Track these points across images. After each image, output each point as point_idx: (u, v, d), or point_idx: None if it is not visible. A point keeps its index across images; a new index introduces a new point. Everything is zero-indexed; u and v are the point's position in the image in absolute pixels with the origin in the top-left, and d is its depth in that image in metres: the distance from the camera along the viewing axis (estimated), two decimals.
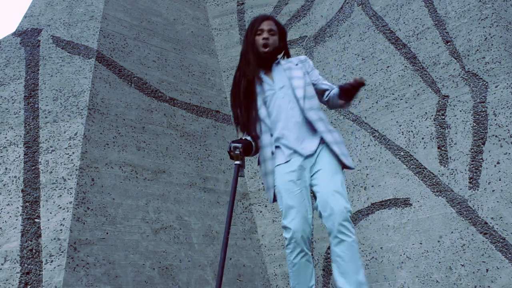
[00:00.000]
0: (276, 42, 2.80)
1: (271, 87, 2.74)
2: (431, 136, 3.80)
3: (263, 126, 2.71)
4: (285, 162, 2.63)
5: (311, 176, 2.64)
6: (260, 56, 2.78)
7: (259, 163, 2.82)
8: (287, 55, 2.98)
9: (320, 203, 2.54)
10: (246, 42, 2.83)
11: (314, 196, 2.64)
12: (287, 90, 2.72)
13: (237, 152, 2.69)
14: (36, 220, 3.58)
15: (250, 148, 2.73)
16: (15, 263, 3.40)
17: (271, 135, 2.68)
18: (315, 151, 2.64)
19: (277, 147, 2.67)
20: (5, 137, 3.97)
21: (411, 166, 3.86)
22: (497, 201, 3.32)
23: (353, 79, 2.54)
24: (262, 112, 2.71)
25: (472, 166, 3.52)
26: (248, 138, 2.75)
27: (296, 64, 2.84)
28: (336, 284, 2.47)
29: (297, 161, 2.62)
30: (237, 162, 2.73)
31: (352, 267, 2.42)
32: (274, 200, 2.70)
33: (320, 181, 2.60)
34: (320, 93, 2.85)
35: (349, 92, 2.60)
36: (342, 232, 2.44)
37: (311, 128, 2.68)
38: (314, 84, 2.83)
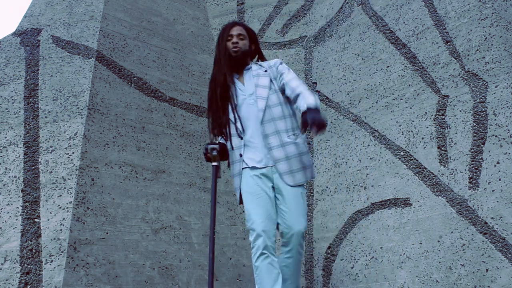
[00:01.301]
0: (246, 45, 2.89)
1: (242, 92, 2.82)
2: (431, 136, 3.80)
3: (233, 129, 2.79)
4: (251, 167, 2.74)
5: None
6: (231, 60, 2.86)
7: (228, 165, 2.92)
8: (261, 58, 3.03)
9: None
10: (218, 49, 2.93)
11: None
12: (255, 97, 2.79)
13: (214, 153, 2.79)
14: (36, 220, 3.58)
15: (226, 151, 2.85)
16: (15, 263, 3.40)
17: (241, 138, 2.77)
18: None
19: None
20: (5, 137, 3.97)
21: (411, 166, 3.86)
22: (497, 201, 3.32)
23: (312, 134, 2.49)
24: (234, 115, 2.79)
25: (472, 166, 3.52)
26: (223, 141, 2.86)
27: (265, 71, 2.87)
28: None
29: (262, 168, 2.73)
30: (215, 163, 2.83)
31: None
32: (241, 202, 2.79)
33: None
34: (287, 95, 2.82)
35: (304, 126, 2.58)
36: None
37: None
38: (282, 89, 2.83)
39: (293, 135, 2.74)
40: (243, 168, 2.76)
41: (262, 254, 2.59)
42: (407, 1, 4.29)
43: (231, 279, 4.16)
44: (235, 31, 2.90)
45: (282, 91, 2.83)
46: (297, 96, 2.68)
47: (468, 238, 3.40)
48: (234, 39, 2.87)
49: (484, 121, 3.53)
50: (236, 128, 2.78)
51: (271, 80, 2.83)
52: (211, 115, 2.87)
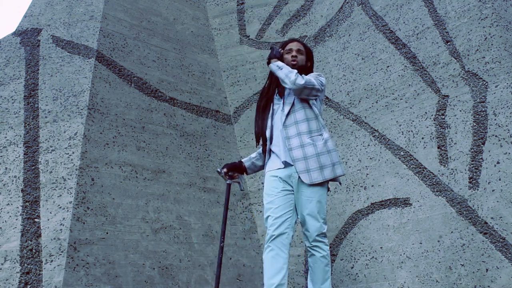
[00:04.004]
0: (303, 61, 3.08)
1: (278, 102, 3.04)
2: (431, 136, 3.80)
3: (268, 135, 3.03)
4: (271, 170, 2.94)
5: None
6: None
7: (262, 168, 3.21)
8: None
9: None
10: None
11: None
12: (282, 104, 3.03)
13: (221, 175, 3.12)
14: (36, 220, 3.58)
15: (240, 167, 3.15)
16: (15, 263, 3.40)
17: (271, 142, 3.00)
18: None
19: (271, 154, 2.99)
20: (5, 137, 3.97)
21: (411, 166, 3.86)
22: (497, 201, 3.32)
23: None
24: (269, 123, 3.03)
25: (472, 166, 3.52)
26: (254, 154, 3.19)
27: None
28: None
29: (281, 171, 2.90)
30: (228, 182, 3.12)
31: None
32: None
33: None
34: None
35: None
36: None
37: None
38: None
39: (316, 136, 2.87)
40: (266, 172, 2.96)
41: (268, 246, 2.74)
42: (407, 1, 4.29)
43: (231, 279, 4.16)
44: (295, 46, 3.08)
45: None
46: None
47: (468, 238, 3.40)
48: (294, 53, 3.03)
49: (484, 121, 3.53)
50: (268, 135, 3.00)
51: None
52: (254, 124, 3.08)
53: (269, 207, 2.82)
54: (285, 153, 2.88)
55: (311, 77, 2.91)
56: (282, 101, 2.98)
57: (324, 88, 3.00)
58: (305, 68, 3.07)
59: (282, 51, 3.05)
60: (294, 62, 3.00)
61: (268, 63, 2.97)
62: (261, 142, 3.01)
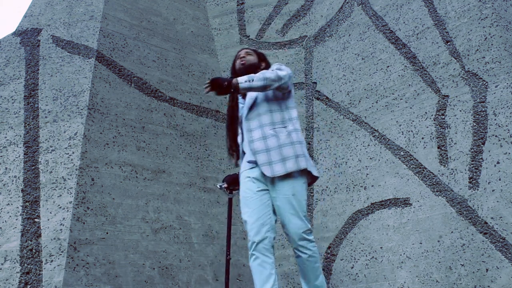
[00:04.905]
0: (253, 60, 2.98)
1: (242, 104, 2.94)
2: (431, 136, 3.80)
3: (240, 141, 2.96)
4: (243, 171, 2.86)
5: None
6: (237, 74, 2.94)
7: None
8: None
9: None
10: (231, 74, 3.07)
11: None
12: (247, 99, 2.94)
13: (222, 189, 3.09)
14: (36, 220, 3.58)
15: (235, 180, 3.03)
16: (15, 263, 3.40)
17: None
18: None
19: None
20: (5, 137, 3.97)
21: (411, 166, 3.86)
22: (497, 201, 3.32)
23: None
24: (240, 130, 2.94)
25: (472, 166, 3.52)
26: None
27: None
28: None
29: (253, 170, 2.81)
30: (230, 196, 3.11)
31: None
32: None
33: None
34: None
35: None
36: None
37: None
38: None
39: (279, 128, 2.74)
40: (240, 173, 2.88)
41: (252, 254, 2.66)
42: (407, 1, 4.28)
43: (231, 279, 4.16)
44: (243, 51, 3.04)
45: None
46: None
47: (468, 238, 3.40)
48: (242, 55, 2.99)
49: (484, 121, 3.53)
50: (240, 140, 2.92)
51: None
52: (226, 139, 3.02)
53: (245, 211, 2.72)
54: (248, 150, 2.80)
55: (272, 69, 2.82)
56: (245, 99, 2.91)
57: (290, 77, 2.83)
58: (258, 67, 2.98)
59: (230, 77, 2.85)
60: (243, 61, 2.94)
61: (230, 88, 2.65)
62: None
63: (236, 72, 2.97)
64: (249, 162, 2.78)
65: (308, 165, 2.72)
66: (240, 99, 2.96)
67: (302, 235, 2.65)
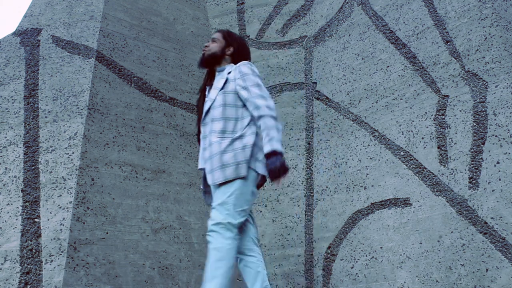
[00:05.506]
0: (216, 47, 2.84)
1: (207, 97, 2.82)
2: (431, 136, 3.80)
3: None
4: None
5: None
6: (201, 66, 2.87)
7: None
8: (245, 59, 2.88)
9: None
10: None
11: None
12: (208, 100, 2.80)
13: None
14: (36, 220, 3.58)
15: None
16: (15, 263, 3.40)
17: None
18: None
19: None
20: (5, 137, 3.97)
21: (411, 166, 3.86)
22: (497, 201, 3.32)
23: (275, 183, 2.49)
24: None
25: (472, 166, 3.52)
26: None
27: (228, 73, 2.78)
28: None
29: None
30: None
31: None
32: None
33: None
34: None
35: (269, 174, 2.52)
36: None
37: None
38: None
39: (224, 137, 2.60)
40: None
41: (236, 258, 2.63)
42: (407, 1, 4.29)
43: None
44: (211, 36, 2.92)
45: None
46: (259, 119, 2.59)
47: (468, 238, 3.40)
48: (206, 43, 2.89)
49: (484, 121, 3.53)
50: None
51: (226, 81, 2.72)
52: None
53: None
54: (202, 153, 2.76)
55: (250, 96, 2.61)
56: (207, 98, 2.79)
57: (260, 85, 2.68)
58: (221, 56, 2.83)
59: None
60: (203, 51, 2.84)
61: (285, 165, 2.49)
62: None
63: (201, 63, 2.86)
64: (200, 169, 2.74)
65: (255, 166, 2.59)
66: (208, 93, 2.85)
67: (214, 225, 2.50)
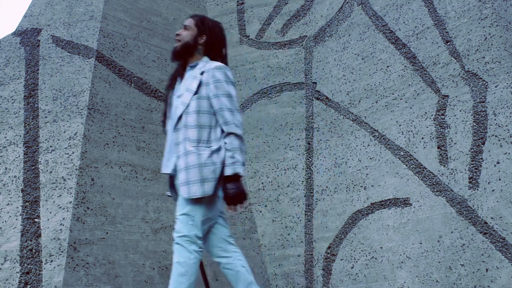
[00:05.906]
0: (188, 36, 2.66)
1: (175, 93, 2.69)
2: (431, 136, 3.80)
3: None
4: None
5: None
6: (172, 57, 2.72)
7: None
8: (218, 56, 2.71)
9: None
10: None
11: None
12: (180, 102, 2.61)
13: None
14: (36, 220, 3.58)
15: None
16: (15, 263, 3.40)
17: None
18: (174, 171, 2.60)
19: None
20: (5, 137, 3.97)
21: (411, 166, 3.86)
22: (497, 201, 3.32)
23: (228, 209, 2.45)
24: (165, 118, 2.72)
25: (472, 166, 3.52)
26: None
27: (202, 73, 2.60)
28: None
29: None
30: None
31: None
32: None
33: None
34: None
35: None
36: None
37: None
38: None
39: (200, 146, 2.49)
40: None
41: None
42: (407, 1, 4.29)
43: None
44: (183, 24, 2.71)
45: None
46: (226, 136, 2.53)
47: (468, 238, 3.41)
48: (178, 31, 2.69)
49: (484, 121, 3.53)
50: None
51: (200, 85, 2.57)
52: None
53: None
54: (171, 160, 2.60)
55: (220, 109, 2.52)
56: (180, 97, 2.61)
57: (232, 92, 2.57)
58: (194, 46, 2.65)
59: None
60: (176, 40, 2.66)
61: (244, 191, 2.46)
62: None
63: (173, 56, 2.70)
64: (164, 173, 2.65)
65: (211, 190, 2.47)
66: (178, 85, 2.68)
67: (179, 238, 2.45)
